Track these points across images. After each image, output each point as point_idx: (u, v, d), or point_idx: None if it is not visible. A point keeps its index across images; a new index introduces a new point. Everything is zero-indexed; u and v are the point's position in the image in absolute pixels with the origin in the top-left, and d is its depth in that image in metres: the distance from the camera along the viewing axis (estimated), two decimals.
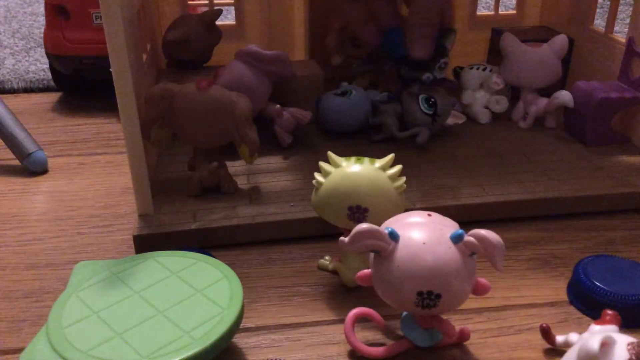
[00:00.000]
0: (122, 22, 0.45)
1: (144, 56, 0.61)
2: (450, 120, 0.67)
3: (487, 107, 0.71)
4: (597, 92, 0.63)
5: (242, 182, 0.58)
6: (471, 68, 0.71)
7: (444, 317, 0.40)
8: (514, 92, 0.72)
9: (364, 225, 0.37)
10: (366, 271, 0.39)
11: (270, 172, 0.60)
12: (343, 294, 0.47)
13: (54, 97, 0.85)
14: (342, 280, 0.46)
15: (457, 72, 0.73)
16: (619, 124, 0.66)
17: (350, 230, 0.37)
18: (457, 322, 0.41)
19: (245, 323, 0.42)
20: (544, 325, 0.41)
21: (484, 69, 0.71)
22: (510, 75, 0.70)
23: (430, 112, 0.63)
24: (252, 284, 0.48)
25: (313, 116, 0.65)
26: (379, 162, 0.44)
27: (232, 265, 0.43)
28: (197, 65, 0.77)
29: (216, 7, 0.79)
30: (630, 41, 0.64)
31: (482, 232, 0.36)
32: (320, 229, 0.50)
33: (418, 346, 0.41)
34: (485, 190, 0.56)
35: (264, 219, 0.52)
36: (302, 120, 0.64)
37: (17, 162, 0.66)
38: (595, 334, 0.35)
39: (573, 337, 0.39)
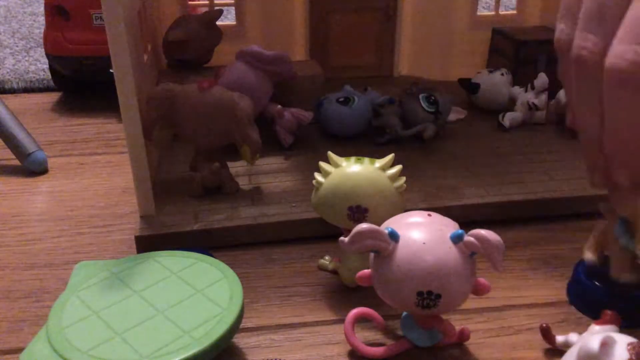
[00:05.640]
0: (123, 22, 0.45)
1: (145, 56, 0.61)
2: (452, 116, 0.67)
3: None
4: None
5: (243, 183, 0.58)
6: (491, 72, 0.71)
7: (444, 317, 0.40)
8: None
9: (364, 225, 0.37)
10: (366, 271, 0.39)
11: (271, 173, 0.60)
12: (343, 294, 0.47)
13: (54, 97, 0.85)
14: (342, 280, 0.46)
15: (472, 85, 0.72)
16: None
17: (350, 230, 0.37)
18: (457, 322, 0.41)
19: (245, 323, 0.42)
20: (544, 325, 0.41)
21: (501, 74, 0.71)
22: None
23: (433, 110, 0.63)
24: (252, 284, 0.48)
25: (314, 117, 0.65)
26: (379, 162, 0.44)
27: (232, 265, 0.43)
28: (197, 65, 0.77)
29: (216, 7, 0.79)
30: None
31: (482, 232, 0.36)
32: (320, 229, 0.50)
33: (418, 346, 0.41)
34: (486, 190, 0.56)
35: (266, 219, 0.52)
36: (304, 121, 0.64)
37: (17, 162, 0.66)
38: (595, 334, 0.35)
39: (573, 337, 0.39)
